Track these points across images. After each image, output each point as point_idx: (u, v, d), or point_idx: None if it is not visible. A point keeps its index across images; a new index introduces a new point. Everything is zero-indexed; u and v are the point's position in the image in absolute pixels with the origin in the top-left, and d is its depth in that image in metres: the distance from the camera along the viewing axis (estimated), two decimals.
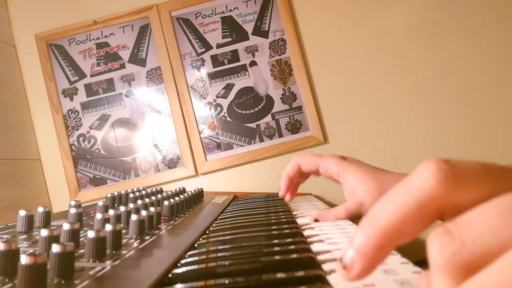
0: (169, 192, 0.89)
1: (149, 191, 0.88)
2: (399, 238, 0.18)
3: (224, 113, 1.36)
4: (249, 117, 1.35)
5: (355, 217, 0.58)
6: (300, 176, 0.65)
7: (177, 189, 0.96)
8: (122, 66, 1.39)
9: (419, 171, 0.18)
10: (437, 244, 0.16)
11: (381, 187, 0.56)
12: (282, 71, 1.36)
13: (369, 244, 0.19)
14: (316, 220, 0.59)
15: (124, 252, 0.42)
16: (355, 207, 0.57)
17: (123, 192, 0.82)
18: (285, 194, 0.65)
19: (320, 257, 0.38)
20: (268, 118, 1.35)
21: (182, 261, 0.40)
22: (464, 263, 0.15)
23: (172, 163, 1.35)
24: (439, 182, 0.17)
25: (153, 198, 0.70)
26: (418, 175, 0.18)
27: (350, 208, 0.57)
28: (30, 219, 0.53)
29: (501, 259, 0.14)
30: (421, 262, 0.32)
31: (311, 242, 0.45)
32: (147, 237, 0.49)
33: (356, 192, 0.58)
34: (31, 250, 0.43)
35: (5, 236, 0.51)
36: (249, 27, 1.39)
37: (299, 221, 0.60)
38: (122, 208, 0.56)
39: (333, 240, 0.46)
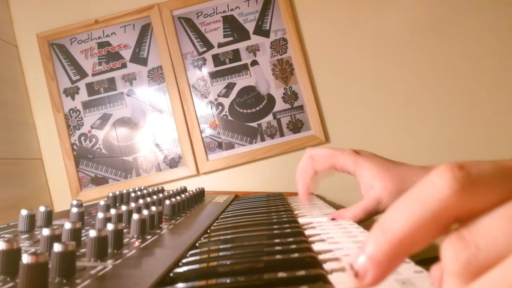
0: (171, 192, 0.89)
1: (150, 190, 0.88)
2: (413, 247, 0.18)
3: (226, 112, 1.36)
4: (250, 116, 1.35)
5: (373, 215, 0.57)
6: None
7: (179, 189, 0.96)
8: (124, 66, 1.39)
9: (433, 178, 0.17)
10: (451, 251, 0.16)
11: (397, 182, 0.56)
12: (284, 71, 1.36)
13: (382, 253, 0.18)
14: (333, 219, 0.58)
15: (125, 251, 0.42)
16: (373, 204, 0.56)
17: (124, 191, 0.82)
18: (305, 195, 0.61)
19: (321, 257, 0.38)
20: (270, 117, 1.35)
21: (184, 260, 0.40)
22: (478, 269, 0.15)
23: (173, 163, 1.35)
24: (455, 191, 0.17)
25: (155, 197, 0.71)
26: (432, 183, 0.17)
27: (367, 207, 0.56)
28: (31, 219, 0.53)
29: (510, 258, 0.14)
30: (423, 261, 0.31)
31: (313, 242, 0.45)
32: (149, 237, 0.49)
33: (372, 188, 0.57)
34: (32, 250, 0.43)
35: (6, 235, 0.51)
36: (250, 27, 1.39)
37: (301, 220, 0.60)
38: (124, 208, 0.56)
39: (335, 240, 0.46)
